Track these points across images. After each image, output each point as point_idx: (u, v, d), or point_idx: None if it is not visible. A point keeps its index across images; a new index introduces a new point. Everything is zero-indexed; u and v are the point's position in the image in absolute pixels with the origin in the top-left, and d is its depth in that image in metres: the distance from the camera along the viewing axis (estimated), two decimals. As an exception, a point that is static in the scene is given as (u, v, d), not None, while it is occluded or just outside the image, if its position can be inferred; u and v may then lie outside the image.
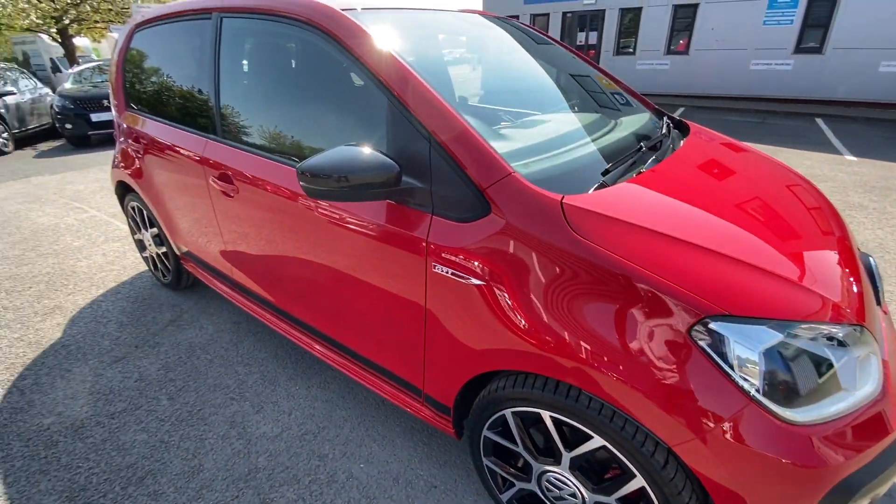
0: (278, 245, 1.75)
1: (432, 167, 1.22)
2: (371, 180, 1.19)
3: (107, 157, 7.30)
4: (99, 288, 2.99)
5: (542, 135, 1.60)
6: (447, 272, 1.21)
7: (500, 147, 1.20)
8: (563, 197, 1.09)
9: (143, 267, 3.26)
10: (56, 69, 20.02)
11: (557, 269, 1.04)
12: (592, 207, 1.07)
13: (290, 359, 2.27)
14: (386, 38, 1.38)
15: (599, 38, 13.63)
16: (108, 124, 8.22)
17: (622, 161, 1.35)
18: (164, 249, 2.72)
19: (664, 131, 1.70)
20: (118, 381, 2.14)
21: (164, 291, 2.92)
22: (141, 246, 2.98)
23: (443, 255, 1.21)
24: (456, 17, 1.98)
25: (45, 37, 17.41)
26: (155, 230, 2.69)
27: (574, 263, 1.02)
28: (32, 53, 21.18)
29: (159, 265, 2.86)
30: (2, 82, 8.79)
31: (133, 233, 2.97)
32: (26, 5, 11.60)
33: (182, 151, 2.06)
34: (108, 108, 8.18)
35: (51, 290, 2.98)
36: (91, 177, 5.90)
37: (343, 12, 1.45)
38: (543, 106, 1.86)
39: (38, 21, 11.92)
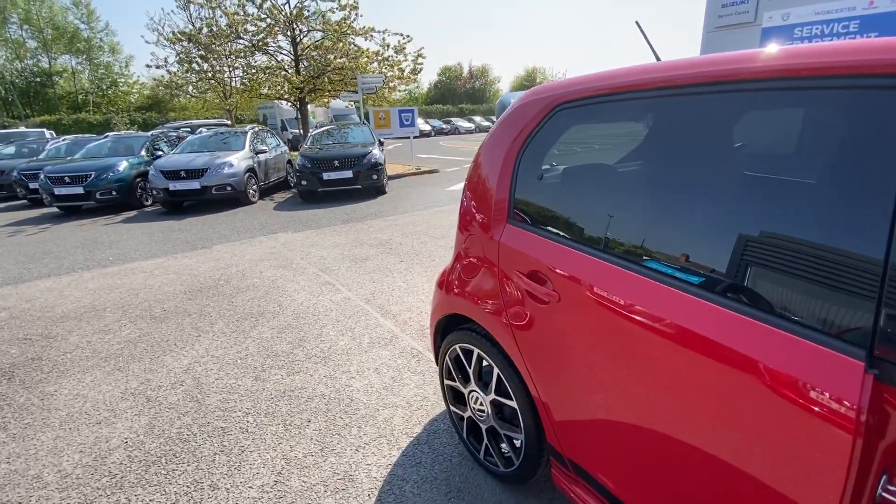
0: None
1: None
2: None
3: (334, 214, 7.47)
4: (389, 443, 2.15)
5: None
6: None
7: None
8: None
9: (431, 409, 2.39)
10: (284, 128, 24.34)
11: None
12: None
13: None
14: None
15: None
16: (335, 182, 8.67)
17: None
18: (511, 433, 1.74)
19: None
20: None
21: (487, 481, 1.93)
22: (455, 398, 2.08)
23: None
24: None
25: (282, 103, 21.08)
26: (495, 397, 1.73)
27: None
28: (270, 115, 26.26)
29: (490, 444, 1.89)
30: (259, 142, 10.14)
31: (447, 379, 2.08)
32: (282, 80, 13.78)
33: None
34: (337, 168, 8.64)
35: (332, 431, 2.25)
36: (330, 241, 5.80)
37: None
38: None
39: (287, 93, 14.06)
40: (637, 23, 1.92)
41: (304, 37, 13.84)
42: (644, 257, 1.23)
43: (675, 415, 1.10)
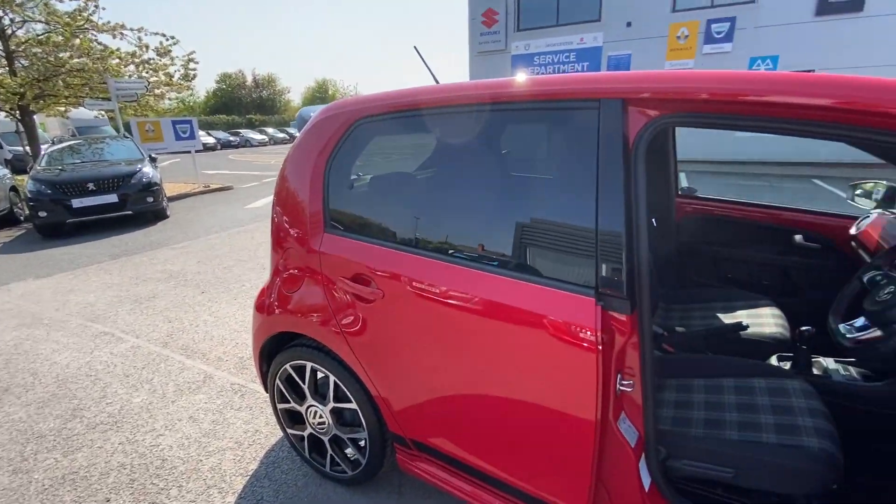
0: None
1: None
2: None
3: (96, 249, 6.04)
4: (222, 491, 1.92)
5: None
6: None
7: None
8: None
9: (266, 441, 2.23)
10: (-2, 146, 18.16)
11: None
12: None
13: None
14: None
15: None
16: (92, 210, 7.01)
17: None
18: (354, 435, 1.78)
19: None
20: None
21: (337, 491, 1.91)
22: (292, 420, 1.99)
23: None
24: None
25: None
26: (335, 405, 1.76)
27: None
28: (-33, 128, 19.20)
29: (334, 453, 1.88)
30: (-45, 164, 7.39)
31: (281, 402, 1.98)
32: (-9, 82, 10.30)
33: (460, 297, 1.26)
34: (93, 192, 7.00)
35: (143, 502, 1.88)
36: (96, 282, 4.68)
37: None
38: None
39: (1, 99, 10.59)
40: (416, 48, 2.19)
41: (17, 28, 10.71)
42: (447, 248, 1.45)
43: (489, 371, 1.35)
